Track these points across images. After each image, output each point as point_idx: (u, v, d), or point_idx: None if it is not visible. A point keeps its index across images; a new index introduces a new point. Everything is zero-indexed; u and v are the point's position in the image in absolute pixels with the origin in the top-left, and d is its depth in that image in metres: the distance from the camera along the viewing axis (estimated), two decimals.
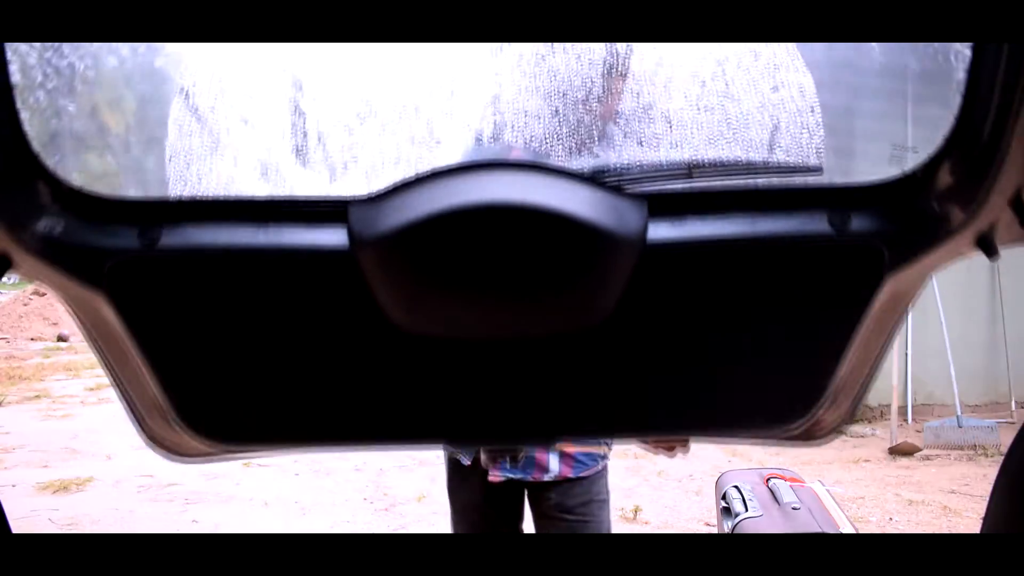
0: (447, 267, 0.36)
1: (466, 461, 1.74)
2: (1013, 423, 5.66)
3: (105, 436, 5.55)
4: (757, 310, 0.39)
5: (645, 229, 0.36)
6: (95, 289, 0.36)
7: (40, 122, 0.35)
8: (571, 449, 1.70)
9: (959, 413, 5.37)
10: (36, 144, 0.35)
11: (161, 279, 0.36)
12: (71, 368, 8.66)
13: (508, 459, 1.56)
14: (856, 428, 5.65)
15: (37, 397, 6.95)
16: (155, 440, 0.42)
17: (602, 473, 1.79)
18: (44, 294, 12.27)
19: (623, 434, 0.46)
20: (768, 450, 5.18)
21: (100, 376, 8.25)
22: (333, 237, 0.35)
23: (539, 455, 1.70)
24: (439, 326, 0.38)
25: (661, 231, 0.36)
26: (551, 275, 0.36)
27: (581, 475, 1.72)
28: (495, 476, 1.72)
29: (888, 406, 5.55)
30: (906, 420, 5.72)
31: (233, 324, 0.37)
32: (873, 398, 5.92)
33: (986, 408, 5.98)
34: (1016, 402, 5.96)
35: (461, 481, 1.81)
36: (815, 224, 0.37)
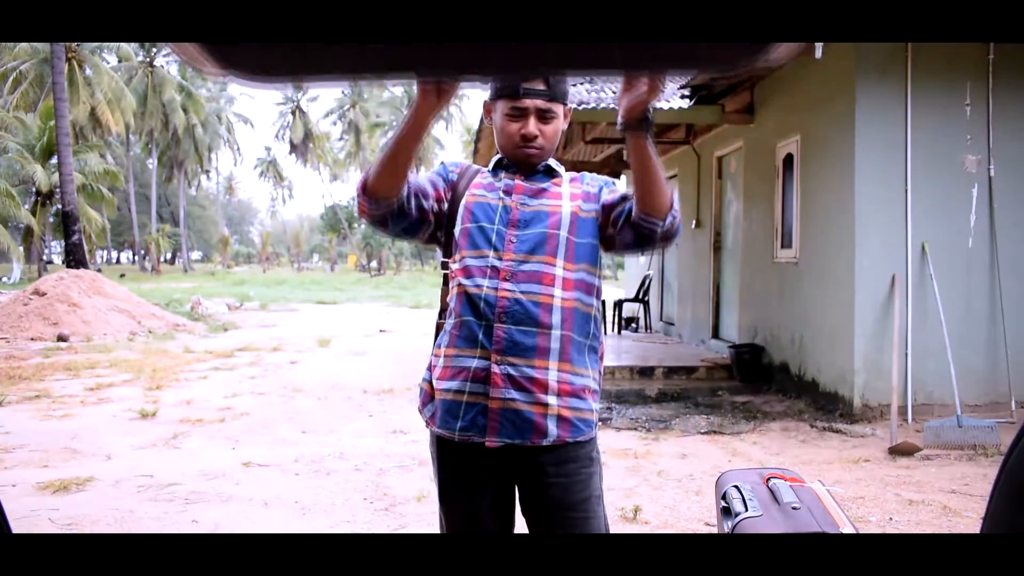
0: None
1: (491, 444, 1.71)
2: (1013, 423, 5.66)
3: (105, 436, 5.55)
4: None
5: None
6: None
7: None
8: (568, 414, 1.73)
9: (959, 413, 5.37)
10: None
11: None
12: (71, 368, 8.66)
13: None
14: (856, 428, 5.65)
15: (37, 397, 6.95)
16: (204, 72, 0.54)
17: (596, 460, 1.80)
18: (44, 294, 12.27)
19: (607, 70, 0.58)
20: (768, 450, 5.18)
21: (100, 376, 8.28)
22: None
23: (537, 419, 1.70)
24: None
25: None
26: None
27: (578, 439, 1.75)
28: (492, 442, 1.71)
29: (888, 406, 5.56)
30: (906, 420, 5.73)
31: None
32: (873, 398, 5.93)
33: (986, 408, 5.98)
34: (1016, 402, 5.96)
35: (450, 457, 1.80)
36: None
